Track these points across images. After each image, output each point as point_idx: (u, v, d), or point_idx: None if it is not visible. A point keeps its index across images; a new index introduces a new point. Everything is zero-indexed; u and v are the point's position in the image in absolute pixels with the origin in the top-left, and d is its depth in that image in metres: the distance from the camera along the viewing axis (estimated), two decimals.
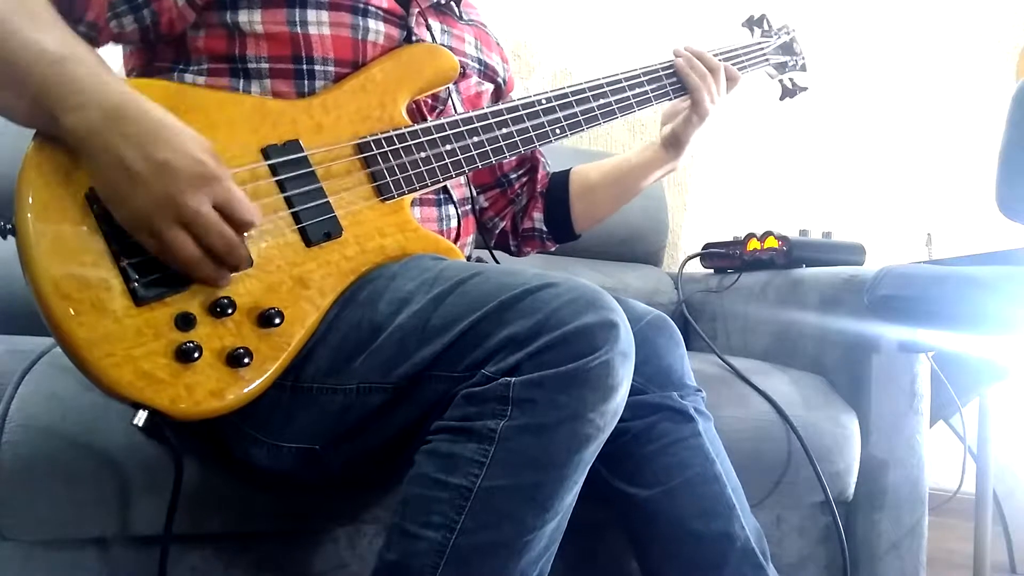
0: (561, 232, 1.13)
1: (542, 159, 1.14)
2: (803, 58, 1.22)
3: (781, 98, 1.25)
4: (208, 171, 0.64)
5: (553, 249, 1.18)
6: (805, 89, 1.24)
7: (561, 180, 1.13)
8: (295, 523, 0.88)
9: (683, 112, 1.04)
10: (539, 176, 1.13)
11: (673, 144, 1.05)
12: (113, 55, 0.76)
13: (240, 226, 0.66)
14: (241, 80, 0.81)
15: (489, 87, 1.02)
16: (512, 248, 1.17)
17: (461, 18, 0.98)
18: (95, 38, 0.75)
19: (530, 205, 1.13)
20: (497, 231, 1.15)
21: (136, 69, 0.85)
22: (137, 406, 0.64)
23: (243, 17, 0.80)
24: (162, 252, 0.65)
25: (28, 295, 0.63)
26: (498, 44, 1.05)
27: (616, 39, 1.98)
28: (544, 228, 1.13)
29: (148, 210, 0.63)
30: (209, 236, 0.65)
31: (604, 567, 1.02)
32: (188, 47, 0.81)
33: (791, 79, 1.24)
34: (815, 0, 2.19)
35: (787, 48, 1.21)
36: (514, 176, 1.12)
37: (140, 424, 0.64)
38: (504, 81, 1.05)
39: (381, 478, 0.85)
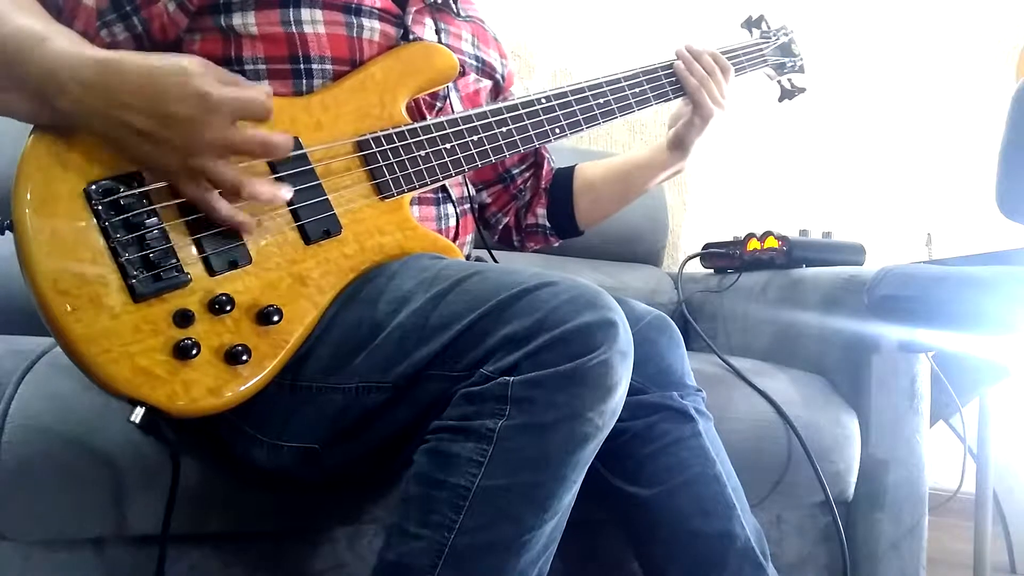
0: (565, 228, 1.13)
1: (547, 155, 1.14)
2: (801, 59, 1.22)
3: (780, 99, 1.25)
4: (212, 101, 0.64)
5: (556, 244, 1.18)
6: (803, 90, 1.24)
7: (565, 177, 1.13)
8: (294, 523, 0.88)
9: (686, 115, 1.03)
10: (544, 172, 1.13)
11: (678, 146, 1.05)
12: None
13: (263, 119, 0.68)
14: None
15: (488, 84, 1.02)
16: (515, 243, 1.17)
17: (458, 15, 0.98)
18: None
19: (534, 201, 1.13)
20: (500, 227, 1.15)
21: None
22: (134, 403, 0.64)
23: (237, 20, 0.80)
24: (214, 185, 0.66)
25: (28, 294, 0.63)
26: (496, 40, 1.05)
27: (616, 39, 1.98)
28: (548, 224, 1.13)
29: (179, 161, 0.65)
30: (250, 149, 0.67)
31: (604, 566, 1.02)
32: (183, 51, 0.81)
33: (790, 80, 1.24)
34: (816, 1, 2.19)
35: (785, 49, 1.21)
36: (516, 172, 1.12)
37: (137, 421, 0.64)
38: (503, 77, 1.05)
39: (380, 478, 0.85)
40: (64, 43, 0.65)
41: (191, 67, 0.65)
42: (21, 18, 0.66)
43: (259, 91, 0.68)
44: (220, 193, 0.67)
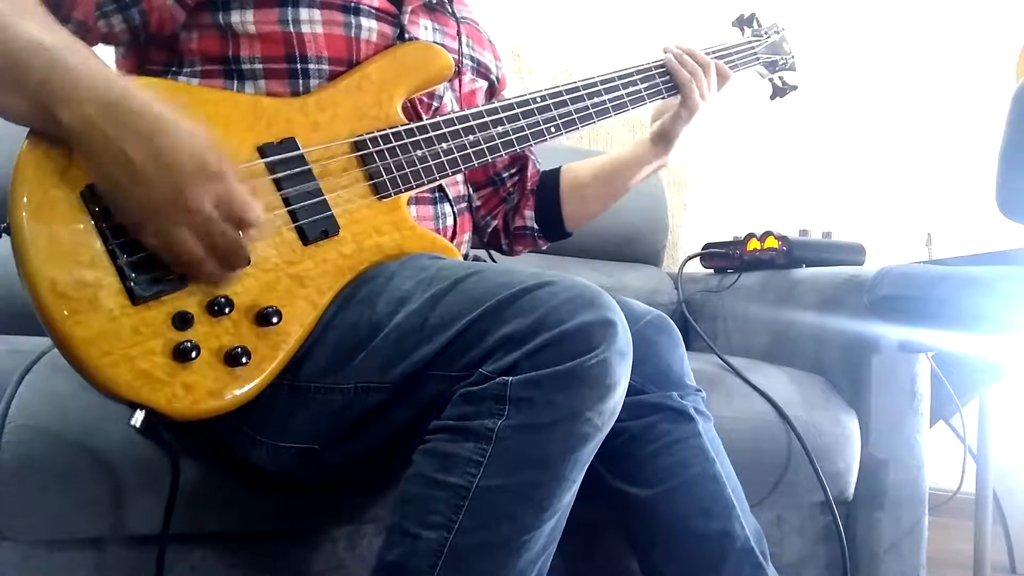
0: (552, 230, 1.13)
1: (532, 156, 1.14)
2: (792, 57, 1.23)
3: (772, 97, 1.25)
4: (210, 169, 0.64)
5: (545, 247, 1.17)
6: (795, 88, 1.24)
7: (552, 178, 1.13)
8: (294, 523, 0.88)
9: (672, 108, 1.04)
10: (529, 174, 1.13)
11: (662, 140, 1.05)
12: (106, 57, 0.75)
13: (242, 224, 0.66)
14: (235, 81, 0.81)
15: (483, 84, 1.02)
16: (504, 247, 1.17)
17: (454, 16, 0.98)
18: (84, 37, 0.74)
19: (521, 203, 1.13)
20: (489, 230, 1.15)
21: (129, 72, 0.84)
22: (134, 406, 0.64)
23: (235, 17, 0.79)
24: (165, 250, 0.64)
25: (26, 298, 0.63)
26: (490, 41, 1.05)
27: (615, 39, 1.98)
28: (535, 226, 1.13)
29: (151, 208, 0.63)
30: (212, 236, 0.64)
31: (603, 566, 1.02)
32: (181, 49, 0.81)
33: (781, 78, 1.24)
34: (817, 1, 2.19)
35: (777, 47, 1.21)
36: (506, 174, 1.12)
37: (137, 424, 0.63)
38: (497, 79, 1.05)
39: (380, 478, 0.85)
40: (79, 60, 0.64)
41: (209, 137, 0.65)
42: (25, 23, 0.65)
43: (259, 207, 0.66)
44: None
